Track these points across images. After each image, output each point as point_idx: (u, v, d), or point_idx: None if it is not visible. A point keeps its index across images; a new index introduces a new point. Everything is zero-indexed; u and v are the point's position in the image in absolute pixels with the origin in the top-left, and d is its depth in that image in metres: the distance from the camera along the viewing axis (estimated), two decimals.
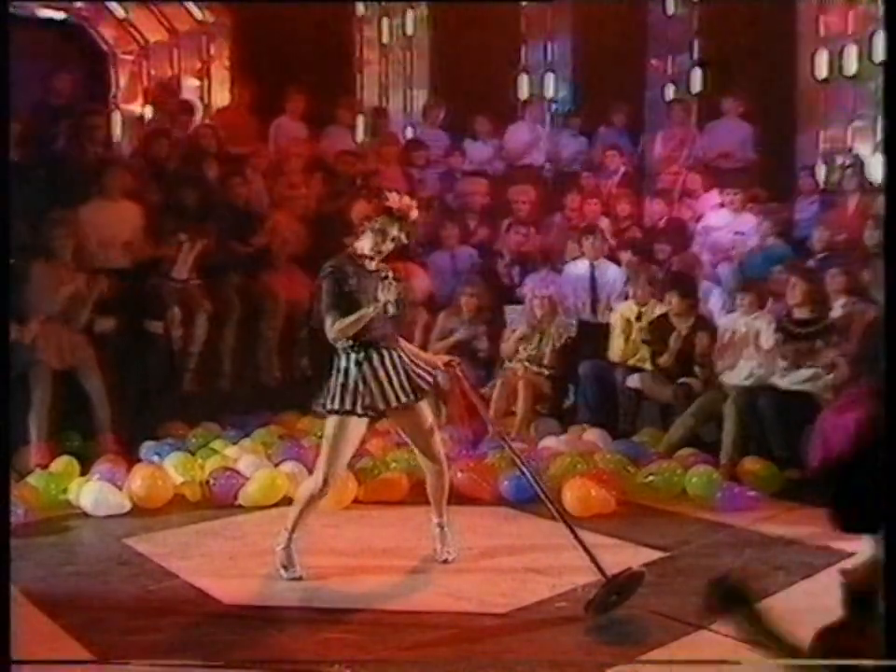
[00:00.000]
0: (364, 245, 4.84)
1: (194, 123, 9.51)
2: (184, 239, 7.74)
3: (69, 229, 7.18)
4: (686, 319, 7.28)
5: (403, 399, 4.83)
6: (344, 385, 4.77)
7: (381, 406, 4.81)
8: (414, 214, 4.85)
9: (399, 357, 4.87)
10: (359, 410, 4.76)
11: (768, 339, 6.82)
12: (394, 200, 4.78)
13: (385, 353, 4.82)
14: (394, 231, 4.77)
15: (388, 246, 4.80)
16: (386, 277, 4.75)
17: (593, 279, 8.32)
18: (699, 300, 7.53)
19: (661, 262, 8.33)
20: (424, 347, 8.10)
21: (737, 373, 6.91)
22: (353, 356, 4.77)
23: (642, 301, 7.64)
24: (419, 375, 4.89)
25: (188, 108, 9.60)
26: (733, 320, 7.16)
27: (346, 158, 9.37)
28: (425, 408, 5.01)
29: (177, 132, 9.04)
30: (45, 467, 6.29)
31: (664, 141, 9.99)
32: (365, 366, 4.78)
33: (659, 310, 7.50)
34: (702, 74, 10.45)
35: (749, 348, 6.93)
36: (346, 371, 4.79)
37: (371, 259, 4.81)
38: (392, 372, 4.81)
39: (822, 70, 9.83)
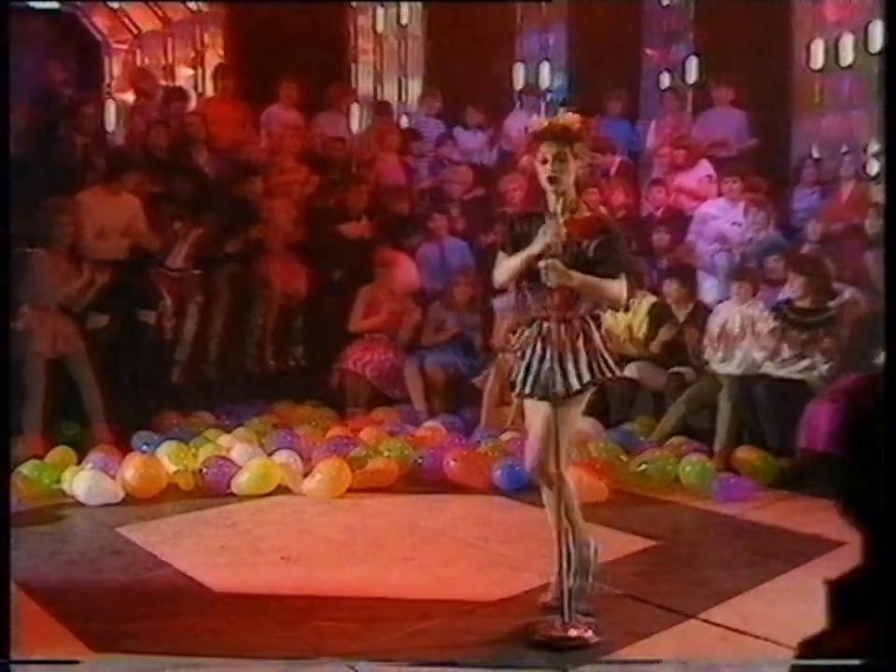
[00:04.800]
0: (543, 184, 4.13)
1: (186, 110, 9.47)
2: (178, 228, 7.73)
3: (66, 218, 7.17)
4: (684, 307, 7.33)
5: (527, 390, 4.17)
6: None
7: (517, 389, 4.23)
8: (575, 125, 4.10)
9: (561, 338, 4.06)
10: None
11: (764, 326, 6.82)
12: (539, 121, 4.22)
13: (537, 328, 4.15)
14: (563, 150, 4.04)
15: (563, 173, 4.05)
16: (554, 216, 4.03)
17: None
18: (697, 288, 7.55)
19: (656, 252, 8.32)
20: (416, 341, 8.17)
21: (732, 362, 6.92)
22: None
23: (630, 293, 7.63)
24: (569, 373, 4.07)
25: (181, 96, 9.57)
26: (726, 308, 7.16)
27: (335, 144, 9.35)
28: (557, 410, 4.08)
29: (170, 120, 9.02)
30: (40, 457, 6.29)
31: (657, 130, 9.97)
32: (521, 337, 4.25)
33: (649, 299, 7.51)
34: (698, 63, 10.43)
35: (743, 336, 6.93)
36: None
37: (559, 207, 4.08)
38: (539, 356, 4.12)
39: (818, 60, 9.80)
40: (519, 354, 4.21)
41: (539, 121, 4.23)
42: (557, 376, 4.04)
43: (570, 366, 4.06)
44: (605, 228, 4.22)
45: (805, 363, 6.60)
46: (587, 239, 4.10)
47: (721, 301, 7.49)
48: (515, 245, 4.20)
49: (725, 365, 6.92)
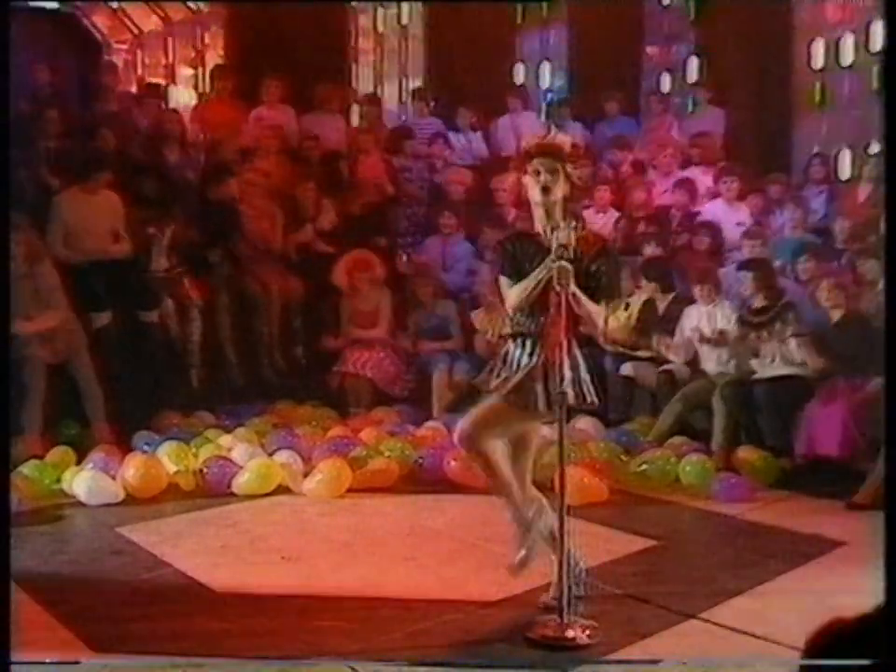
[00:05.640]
0: (533, 198, 4.17)
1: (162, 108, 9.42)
2: (153, 231, 7.71)
3: (53, 220, 7.18)
4: (663, 301, 7.45)
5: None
6: None
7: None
8: (566, 146, 4.18)
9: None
10: None
11: (730, 327, 6.93)
12: (533, 139, 4.27)
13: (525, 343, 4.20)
14: (554, 165, 4.09)
15: (555, 185, 4.10)
16: (558, 226, 4.04)
17: None
18: (674, 285, 7.58)
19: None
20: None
21: (714, 364, 6.98)
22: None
23: (628, 291, 7.65)
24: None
25: (155, 93, 9.52)
26: (695, 310, 7.19)
27: (308, 143, 9.30)
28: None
29: (146, 117, 8.98)
30: (41, 457, 6.29)
31: (644, 133, 9.97)
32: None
33: (642, 297, 7.55)
34: (698, 63, 10.42)
35: (712, 337, 6.99)
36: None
37: (548, 227, 4.12)
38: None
39: (819, 60, 9.80)
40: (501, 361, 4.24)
41: (531, 138, 4.28)
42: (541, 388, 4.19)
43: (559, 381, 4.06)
44: (605, 247, 4.30)
45: (766, 360, 6.71)
46: (586, 254, 4.13)
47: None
48: (513, 266, 4.21)
49: (709, 367, 6.99)
